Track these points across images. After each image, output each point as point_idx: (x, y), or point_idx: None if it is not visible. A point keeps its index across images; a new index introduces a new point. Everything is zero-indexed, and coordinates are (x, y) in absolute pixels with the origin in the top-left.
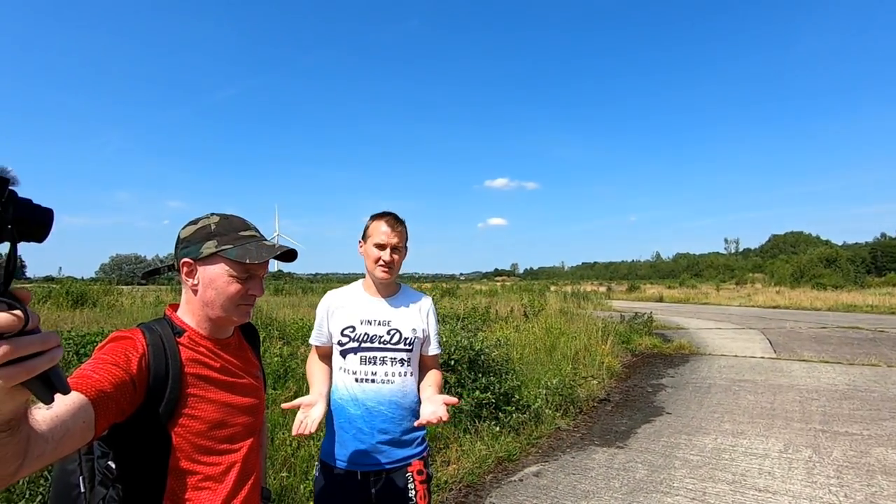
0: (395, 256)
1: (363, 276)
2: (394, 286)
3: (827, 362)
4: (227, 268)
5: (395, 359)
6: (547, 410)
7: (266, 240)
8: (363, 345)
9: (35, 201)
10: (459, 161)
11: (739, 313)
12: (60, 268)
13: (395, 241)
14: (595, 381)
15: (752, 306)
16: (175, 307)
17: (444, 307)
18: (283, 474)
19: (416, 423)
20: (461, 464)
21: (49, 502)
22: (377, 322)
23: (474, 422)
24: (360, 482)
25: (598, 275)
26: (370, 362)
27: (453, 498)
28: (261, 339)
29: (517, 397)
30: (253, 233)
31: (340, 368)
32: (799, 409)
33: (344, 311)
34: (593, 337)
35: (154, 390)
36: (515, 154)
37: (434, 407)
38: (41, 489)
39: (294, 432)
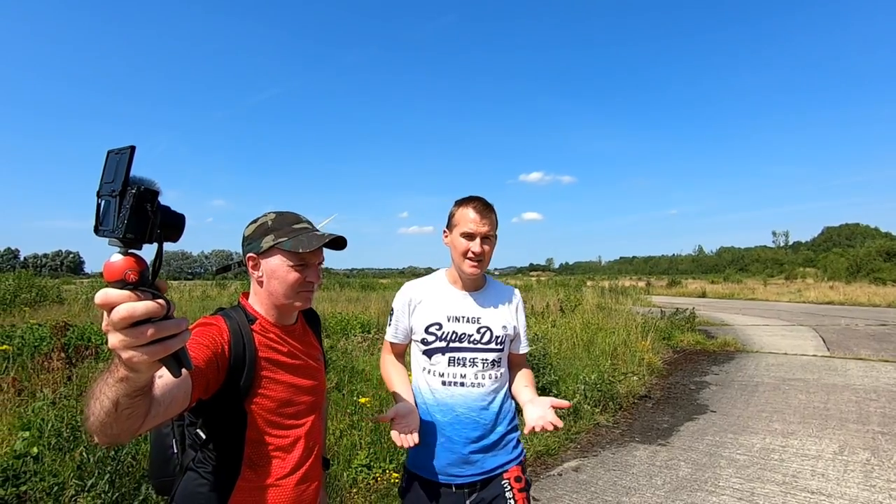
0: (486, 247)
1: (399, 271)
2: (481, 279)
3: (887, 361)
4: (284, 259)
5: (485, 360)
6: (586, 406)
7: (318, 231)
8: (451, 344)
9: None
10: (493, 156)
11: (789, 309)
12: None
13: (484, 229)
14: (635, 378)
15: (803, 302)
16: (247, 296)
17: None
18: None
19: (526, 431)
20: None
21: (149, 460)
22: (466, 319)
23: None
24: (455, 495)
25: (636, 270)
26: (459, 364)
27: None
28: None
29: (555, 392)
30: (305, 225)
31: (424, 370)
32: (855, 409)
33: (427, 305)
34: (633, 333)
35: (234, 371)
36: (550, 148)
37: (542, 411)
38: (108, 468)
39: (398, 444)
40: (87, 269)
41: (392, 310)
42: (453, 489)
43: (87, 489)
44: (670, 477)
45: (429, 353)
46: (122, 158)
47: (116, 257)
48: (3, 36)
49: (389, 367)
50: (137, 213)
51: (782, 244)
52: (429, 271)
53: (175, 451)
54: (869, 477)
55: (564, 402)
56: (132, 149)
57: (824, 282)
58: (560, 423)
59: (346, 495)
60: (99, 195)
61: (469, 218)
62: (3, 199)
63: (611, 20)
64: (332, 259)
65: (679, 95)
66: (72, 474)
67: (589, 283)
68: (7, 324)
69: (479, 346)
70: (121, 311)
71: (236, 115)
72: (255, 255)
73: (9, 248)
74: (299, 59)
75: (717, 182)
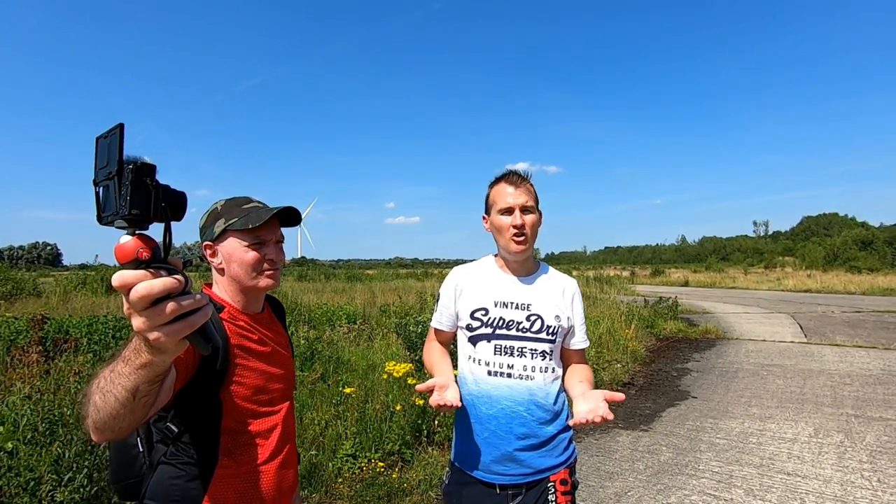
0: (528, 218)
1: (385, 262)
2: (532, 263)
3: (861, 347)
4: (238, 240)
5: (535, 350)
6: None
7: (267, 206)
8: (498, 331)
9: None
10: (479, 146)
11: (768, 297)
12: (97, 255)
13: (522, 199)
14: (619, 365)
15: (782, 290)
16: (210, 286)
17: None
18: (312, 452)
19: (569, 423)
20: None
21: (110, 462)
22: (514, 305)
23: None
24: (498, 497)
25: (621, 259)
26: (506, 353)
27: None
28: (288, 321)
29: None
30: (256, 204)
31: (470, 358)
32: (830, 393)
33: (474, 289)
34: (617, 321)
35: (207, 361)
36: (536, 138)
37: (591, 404)
38: (86, 462)
39: (437, 404)
40: (65, 261)
41: (438, 295)
42: (497, 490)
43: (64, 483)
44: (652, 461)
45: (473, 341)
46: (112, 140)
47: (125, 238)
48: None
49: (433, 352)
50: (138, 187)
51: (762, 234)
52: (415, 262)
53: (141, 449)
54: (842, 458)
55: (619, 395)
56: (121, 127)
57: (802, 270)
58: (610, 416)
59: (331, 485)
60: (96, 183)
61: (505, 192)
62: None
63: (595, 10)
64: (318, 250)
65: (665, 85)
66: (48, 469)
67: (574, 272)
68: None
69: (529, 334)
70: (139, 290)
71: (221, 104)
72: (210, 243)
73: None
74: (285, 47)
75: (701, 172)
